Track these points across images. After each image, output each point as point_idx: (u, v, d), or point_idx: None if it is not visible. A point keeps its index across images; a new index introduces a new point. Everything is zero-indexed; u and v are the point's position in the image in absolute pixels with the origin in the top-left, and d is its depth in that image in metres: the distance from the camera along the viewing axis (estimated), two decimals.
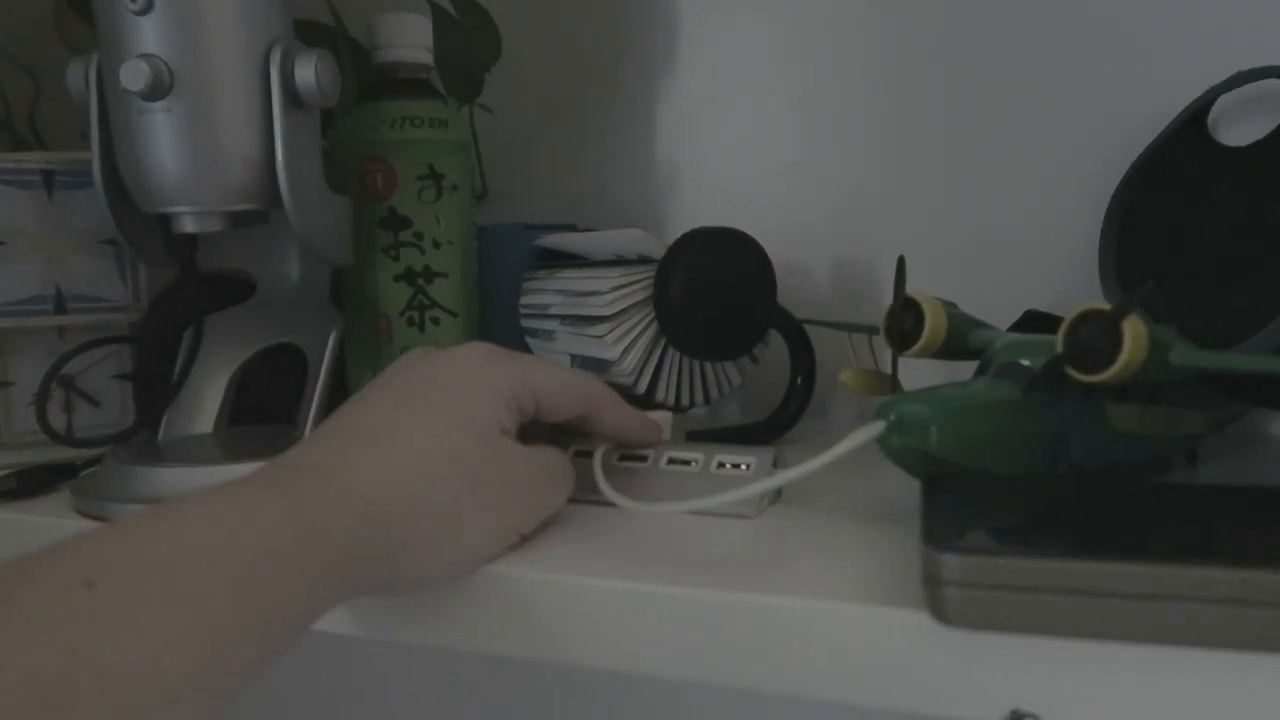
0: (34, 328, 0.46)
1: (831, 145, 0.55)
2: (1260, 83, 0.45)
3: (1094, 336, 0.32)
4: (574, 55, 0.60)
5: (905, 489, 0.34)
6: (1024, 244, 0.51)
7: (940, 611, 0.25)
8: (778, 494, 0.38)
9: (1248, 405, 0.43)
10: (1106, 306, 0.32)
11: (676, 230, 0.47)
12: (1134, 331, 0.31)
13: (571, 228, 0.56)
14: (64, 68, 0.49)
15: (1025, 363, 0.35)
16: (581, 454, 0.37)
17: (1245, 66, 0.45)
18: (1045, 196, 0.51)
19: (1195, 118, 0.46)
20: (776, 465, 0.37)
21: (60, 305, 0.46)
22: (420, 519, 0.29)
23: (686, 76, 0.58)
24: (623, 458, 0.38)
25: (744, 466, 0.37)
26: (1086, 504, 0.30)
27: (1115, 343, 0.31)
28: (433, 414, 0.31)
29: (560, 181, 0.60)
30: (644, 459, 0.38)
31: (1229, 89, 0.45)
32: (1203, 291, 0.45)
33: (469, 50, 0.52)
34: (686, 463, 0.37)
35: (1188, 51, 0.48)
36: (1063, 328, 0.33)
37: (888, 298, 0.55)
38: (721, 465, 0.37)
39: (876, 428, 0.30)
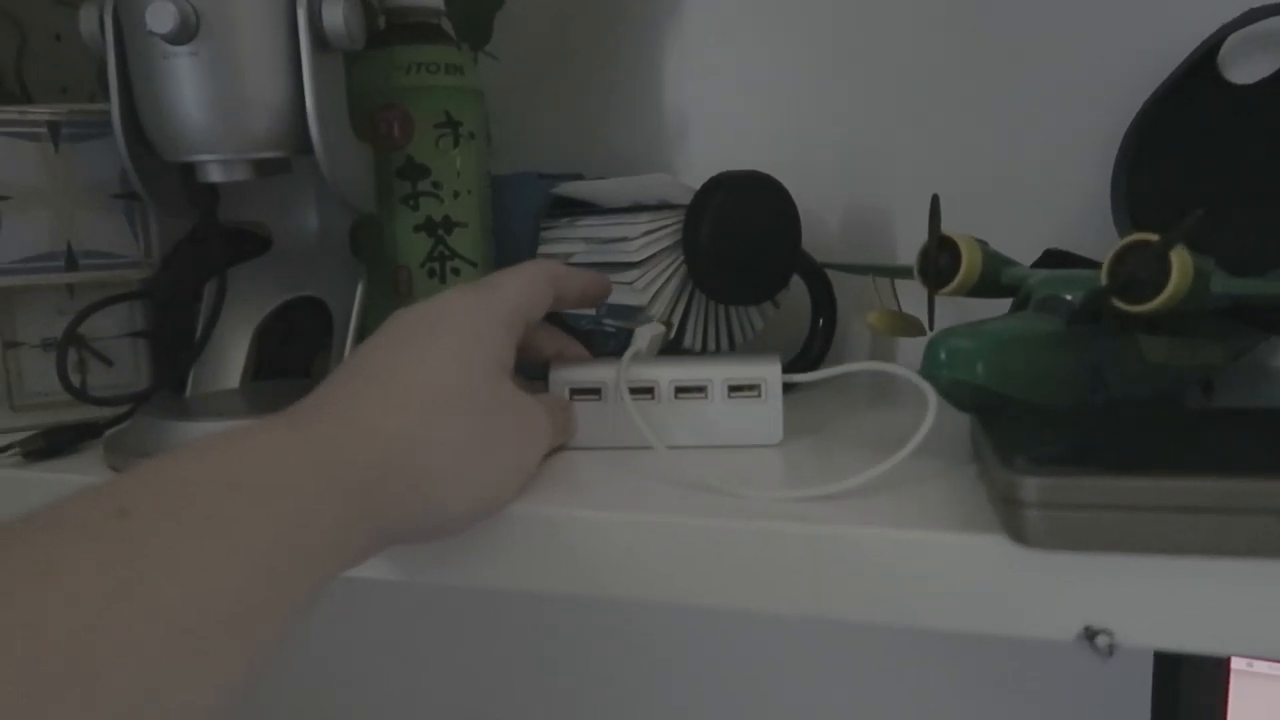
0: (44, 285, 0.45)
1: (840, 89, 0.55)
2: (1268, 20, 0.46)
3: (1141, 266, 0.32)
4: (578, 1, 0.59)
5: (910, 424, 0.34)
6: (1035, 183, 0.52)
7: (1020, 533, 0.26)
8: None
9: (1262, 335, 0.44)
10: (1152, 238, 0.32)
11: (685, 177, 0.47)
12: (1182, 261, 0.32)
13: (578, 177, 0.55)
14: (47, 16, 0.47)
15: (1067, 297, 0.35)
16: (586, 392, 0.37)
17: (1255, 4, 0.46)
18: (1056, 136, 0.51)
19: (1205, 56, 0.47)
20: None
21: (72, 262, 0.45)
22: (435, 451, 0.29)
23: (692, 21, 0.57)
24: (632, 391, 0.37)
25: (757, 390, 0.37)
26: (1135, 430, 0.31)
27: (1164, 272, 0.32)
28: (436, 354, 0.31)
29: (565, 130, 0.60)
30: (650, 391, 0.37)
31: (1238, 28, 0.46)
32: (1215, 227, 0.46)
33: None
34: (699, 390, 0.37)
35: None
36: (1108, 259, 0.33)
37: (898, 240, 0.56)
38: (735, 390, 0.37)
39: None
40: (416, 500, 0.29)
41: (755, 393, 0.37)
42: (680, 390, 0.37)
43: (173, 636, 0.21)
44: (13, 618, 0.20)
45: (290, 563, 0.25)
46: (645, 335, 0.38)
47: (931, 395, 0.32)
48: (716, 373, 0.37)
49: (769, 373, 0.37)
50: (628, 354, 0.37)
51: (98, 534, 0.22)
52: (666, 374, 0.37)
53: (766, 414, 0.37)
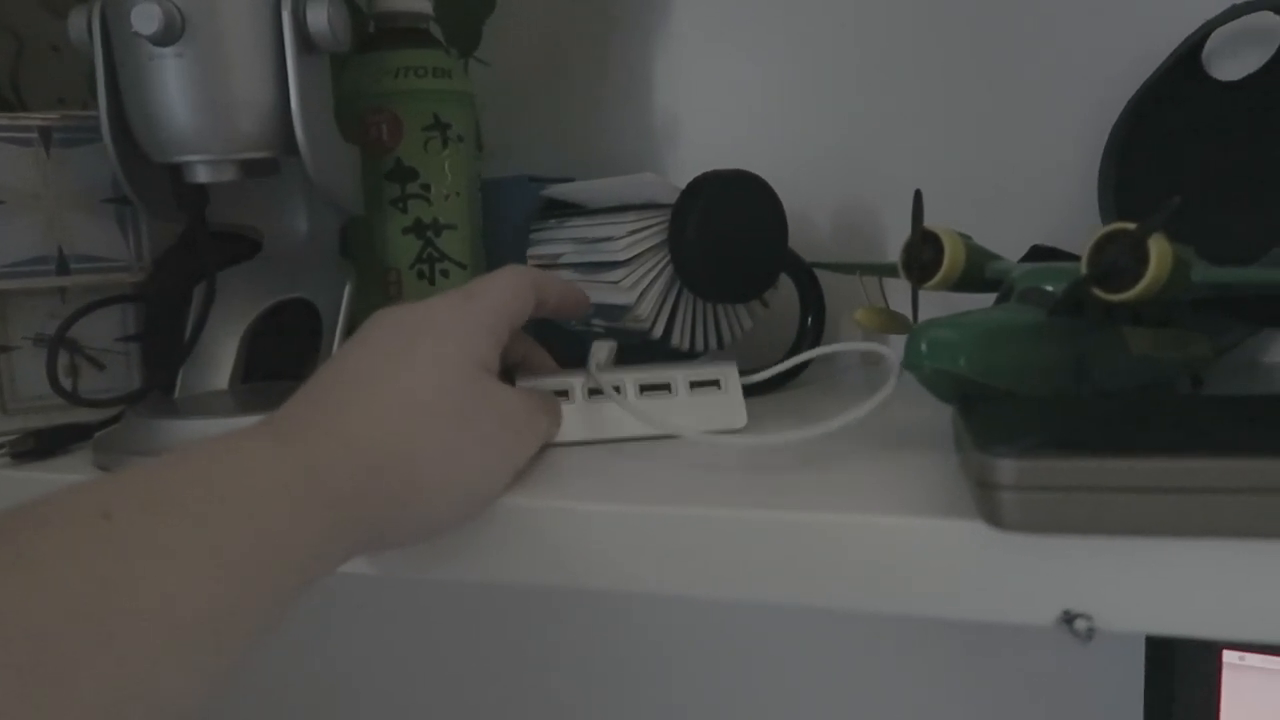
0: (36, 289, 0.45)
1: (826, 90, 0.55)
2: (1253, 15, 0.46)
3: (1120, 255, 0.32)
4: (568, 6, 0.59)
5: (904, 417, 0.34)
6: (1022, 181, 0.52)
7: (995, 517, 0.26)
8: None
9: (1250, 330, 0.44)
10: (1130, 226, 0.32)
11: (676, 179, 0.47)
12: (1159, 249, 0.32)
13: (569, 179, 0.55)
14: (45, 28, 0.47)
15: (1048, 288, 0.35)
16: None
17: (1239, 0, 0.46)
18: (1042, 134, 0.52)
19: (1190, 52, 0.47)
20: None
21: (63, 266, 0.45)
22: (419, 460, 0.29)
23: (681, 24, 0.58)
24: (591, 393, 0.38)
25: (718, 383, 0.39)
26: (1116, 415, 0.31)
27: (1142, 260, 0.32)
28: (415, 360, 0.31)
29: (558, 134, 0.60)
30: (611, 392, 0.38)
31: (1224, 22, 0.46)
32: (1201, 222, 0.46)
33: (467, 1, 0.52)
34: (664, 387, 0.38)
35: None
36: (1087, 248, 0.33)
37: (888, 239, 0.56)
38: (696, 385, 0.39)
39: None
40: (401, 508, 0.29)
41: (716, 386, 0.39)
42: (645, 388, 0.38)
43: (150, 634, 0.22)
44: None
45: (270, 569, 0.25)
46: (602, 348, 0.40)
47: (893, 359, 0.33)
48: (678, 373, 0.38)
49: (727, 369, 0.39)
50: (592, 359, 0.38)
51: (80, 533, 0.22)
52: (631, 376, 0.38)
53: (728, 402, 0.38)
